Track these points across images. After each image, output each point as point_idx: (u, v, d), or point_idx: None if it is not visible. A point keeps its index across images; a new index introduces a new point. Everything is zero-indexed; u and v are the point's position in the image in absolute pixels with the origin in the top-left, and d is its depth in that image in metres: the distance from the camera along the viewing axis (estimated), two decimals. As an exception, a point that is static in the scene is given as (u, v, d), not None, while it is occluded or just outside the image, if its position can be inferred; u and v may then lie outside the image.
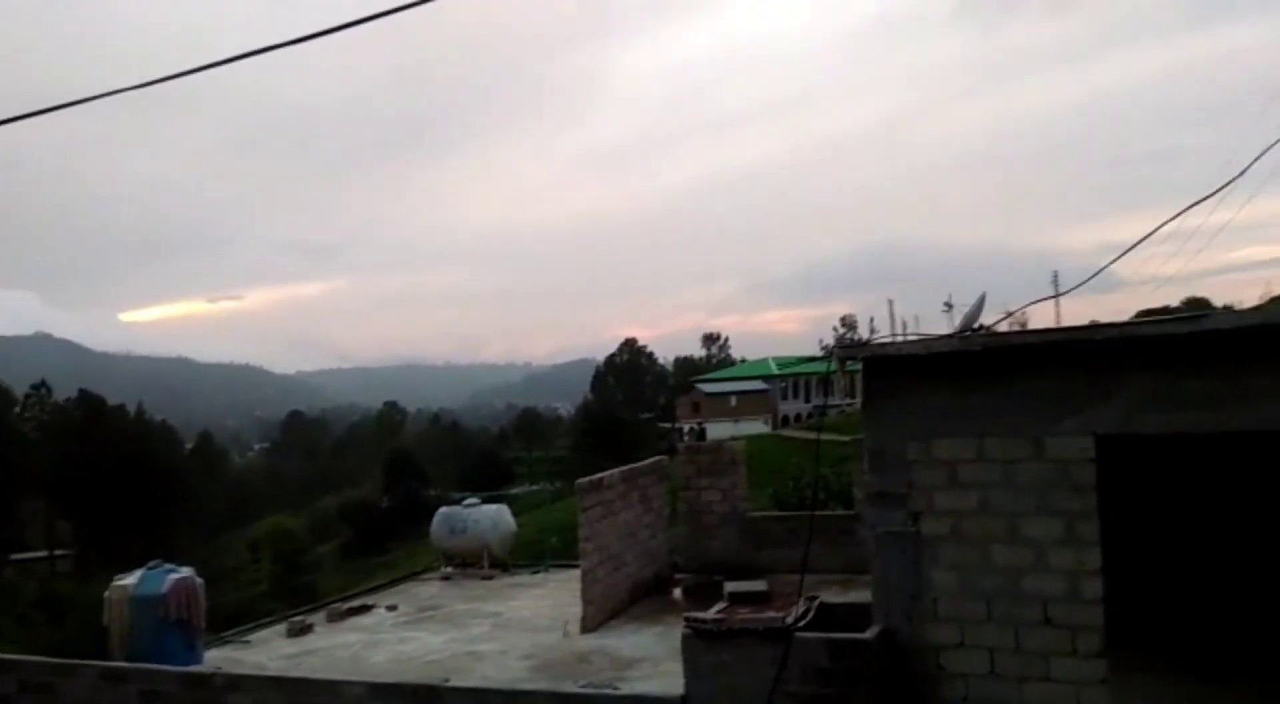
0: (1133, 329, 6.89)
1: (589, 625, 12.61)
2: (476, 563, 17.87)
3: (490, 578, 17.30)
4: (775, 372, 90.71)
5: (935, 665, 7.35)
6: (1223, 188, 6.82)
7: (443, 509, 19.06)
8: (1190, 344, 6.68)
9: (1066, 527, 7.06)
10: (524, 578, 17.42)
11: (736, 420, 78.30)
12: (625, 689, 9.26)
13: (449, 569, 17.99)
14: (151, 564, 12.76)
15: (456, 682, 9.15)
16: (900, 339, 8.07)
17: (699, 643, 7.64)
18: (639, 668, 10.85)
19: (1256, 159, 6.74)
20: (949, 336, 7.74)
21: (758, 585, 12.09)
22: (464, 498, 20.48)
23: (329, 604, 15.80)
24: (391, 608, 15.30)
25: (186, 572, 12.58)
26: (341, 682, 8.65)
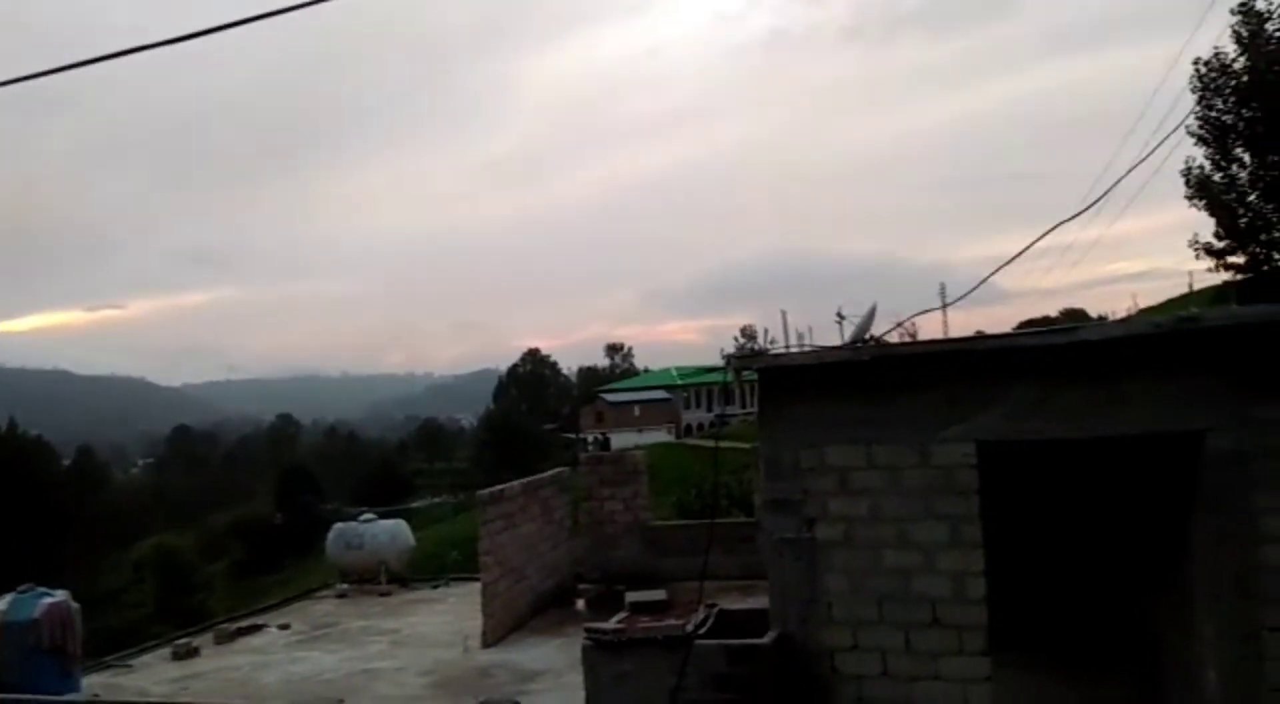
0: (1012, 340, 7.24)
1: (490, 640, 12.48)
2: (374, 579, 17.48)
3: (388, 594, 16.94)
4: (678, 381, 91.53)
5: (830, 668, 7.53)
6: (1085, 209, 7.29)
7: (338, 524, 18.59)
8: (1066, 354, 7.04)
9: (952, 530, 7.33)
10: (423, 593, 17.11)
11: (640, 430, 78.62)
12: (526, 703, 9.18)
13: (345, 586, 17.54)
14: (22, 588, 12.04)
15: (351, 702, 8.93)
16: (794, 349, 8.28)
17: (599, 654, 7.65)
18: (541, 681, 10.78)
19: (1115, 184, 7.25)
20: (840, 347, 7.97)
21: (658, 594, 12.18)
22: (361, 512, 20.00)
23: (217, 625, 15.21)
24: (284, 627, 14.82)
25: (61, 595, 11.91)
26: (229, 706, 8.35)
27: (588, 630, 7.96)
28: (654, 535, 15.36)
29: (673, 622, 7.98)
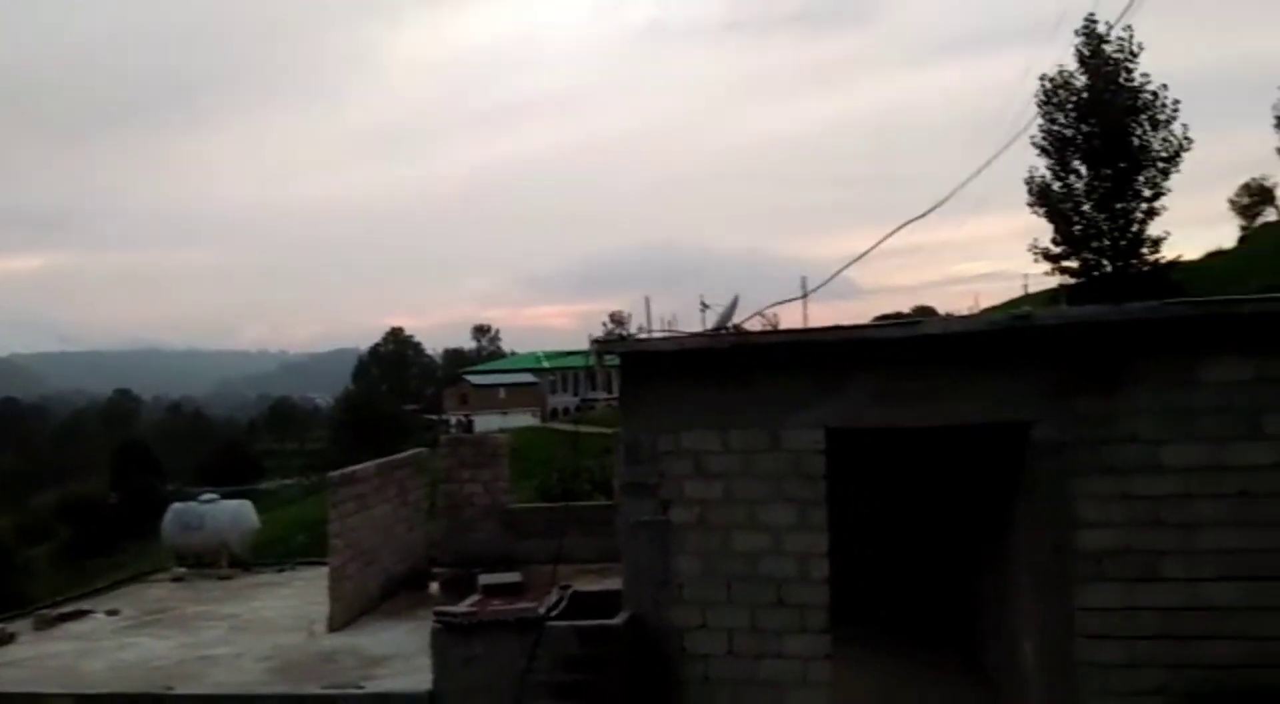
0: (859, 332, 7.53)
1: (336, 624, 12.10)
2: (214, 562, 16.67)
3: (229, 578, 16.19)
4: (544, 365, 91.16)
5: (679, 647, 7.67)
6: (928, 212, 7.66)
7: (175, 505, 17.61)
8: (908, 347, 7.37)
9: (800, 513, 7.58)
10: (267, 577, 16.43)
11: (505, 413, 77.97)
12: (372, 688, 8.97)
13: (182, 570, 16.65)
14: None
15: (183, 689, 8.50)
16: (656, 336, 8.36)
17: (448, 637, 7.54)
18: (389, 665, 10.53)
19: (957, 189, 7.62)
20: (699, 334, 8.10)
21: (512, 577, 12.10)
22: (202, 493, 19.03)
23: (37, 610, 14.17)
24: (112, 613, 13.95)
25: None
26: (47, 694, 7.80)
27: (437, 613, 7.83)
28: (513, 519, 15.23)
29: (525, 604, 7.95)
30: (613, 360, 8.47)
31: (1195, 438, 6.93)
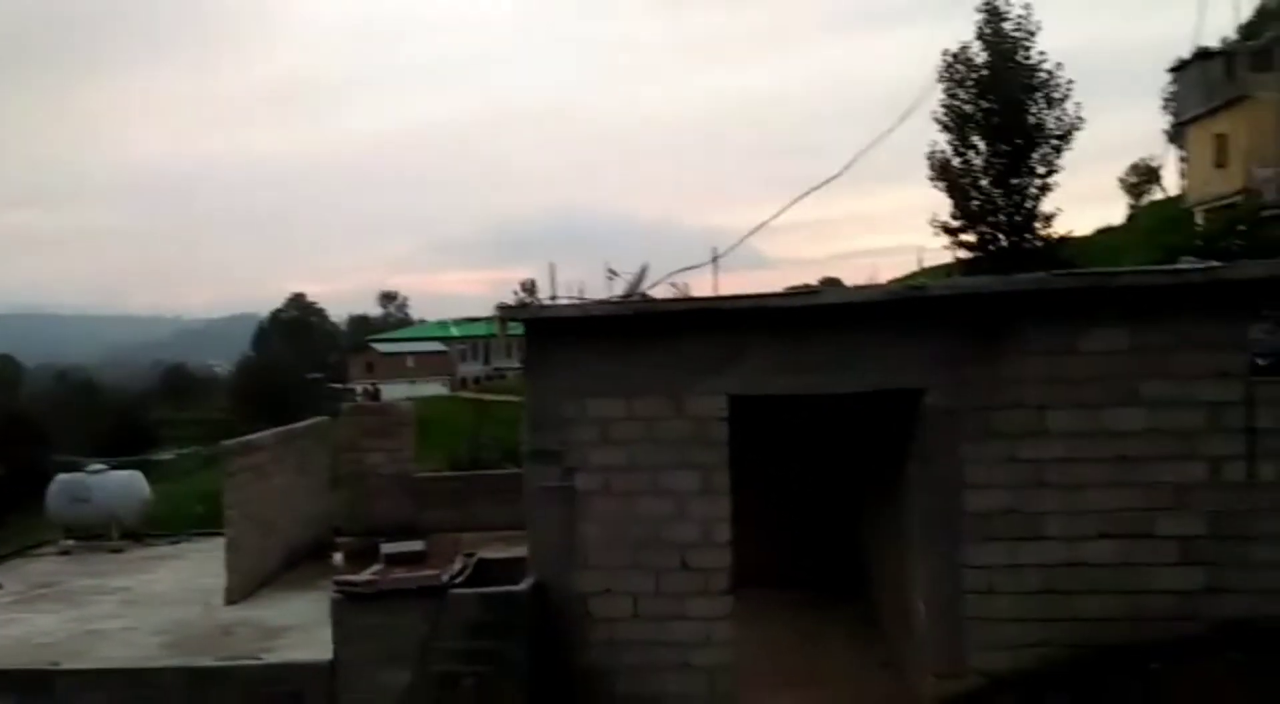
0: (760, 301, 7.63)
1: (234, 596, 11.83)
2: (104, 535, 16.06)
3: (120, 551, 15.63)
4: (453, 333, 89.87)
5: (584, 612, 7.74)
6: (825, 183, 7.81)
7: (61, 476, 16.87)
8: (808, 316, 7.51)
9: (703, 479, 7.70)
10: (161, 549, 15.93)
11: (414, 382, 76.71)
12: (270, 659, 8.80)
13: (70, 543, 16.00)
14: None
15: (70, 664, 8.19)
16: (561, 303, 8.32)
17: (348, 606, 7.44)
18: (288, 636, 10.37)
19: (851, 161, 7.77)
20: (604, 302, 8.10)
21: (415, 546, 11.99)
22: (93, 464, 18.25)
23: (-90, 589, 13.45)
24: (-6, 589, 13.34)
25: None
26: (-83, 676, 7.42)
27: (336, 582, 7.72)
28: (418, 487, 15.08)
29: (428, 572, 7.89)
30: (518, 328, 8.41)
31: (1077, 404, 7.27)
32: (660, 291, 8.92)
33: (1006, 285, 7.44)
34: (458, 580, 7.70)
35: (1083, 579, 7.13)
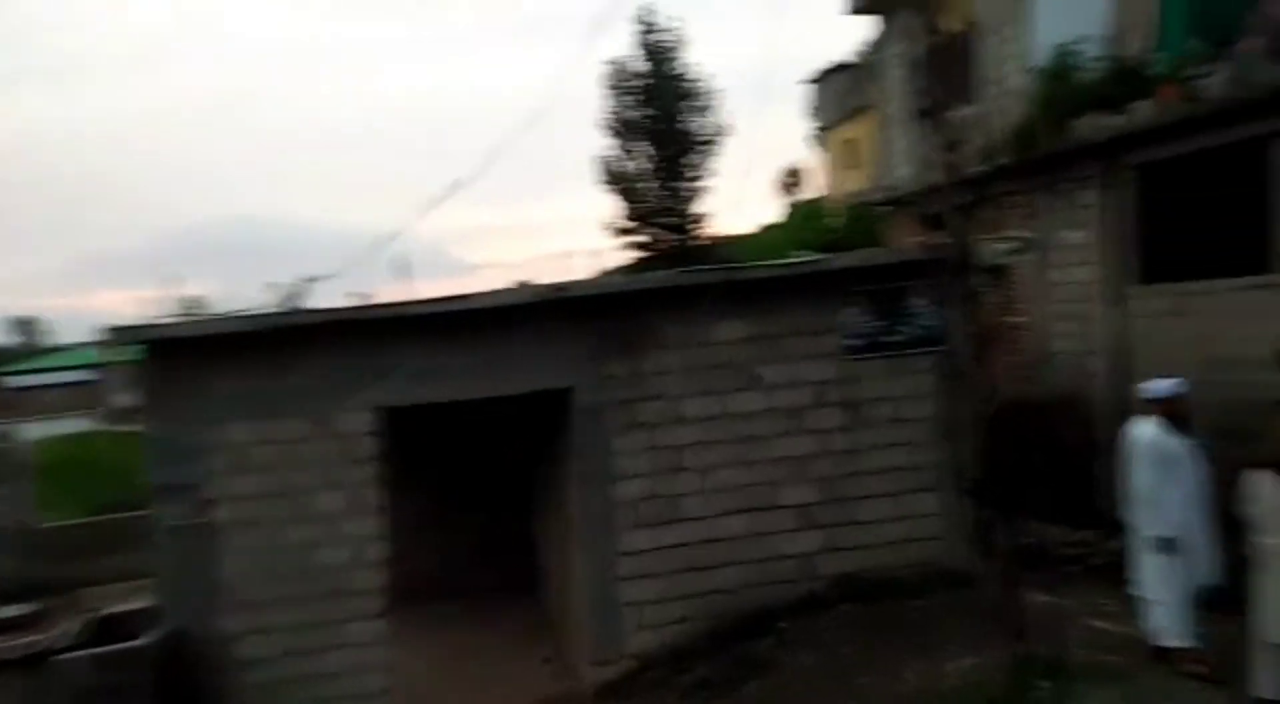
0: (404, 308, 7.41)
1: None
2: None
3: None
4: (98, 361, 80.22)
5: (229, 656, 7.12)
6: (456, 189, 7.83)
7: None
8: (453, 322, 7.42)
9: (352, 499, 7.35)
10: None
11: (56, 417, 67.48)
12: None
13: None
14: None
15: None
16: (183, 321, 7.60)
17: (-76, 691, 6.31)
18: None
19: (483, 168, 7.85)
20: (228, 317, 7.50)
21: (27, 609, 10.44)
22: None
23: None
24: None
25: None
26: None
27: (-90, 666, 6.53)
28: (41, 541, 13.21)
29: (33, 638, 6.89)
30: (134, 351, 7.56)
31: (708, 391, 7.80)
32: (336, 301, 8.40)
33: (643, 283, 7.82)
34: (73, 643, 6.80)
35: (719, 553, 7.67)
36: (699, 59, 28.81)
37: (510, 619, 9.84)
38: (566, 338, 7.66)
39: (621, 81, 30.45)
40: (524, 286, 8.16)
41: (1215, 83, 7.76)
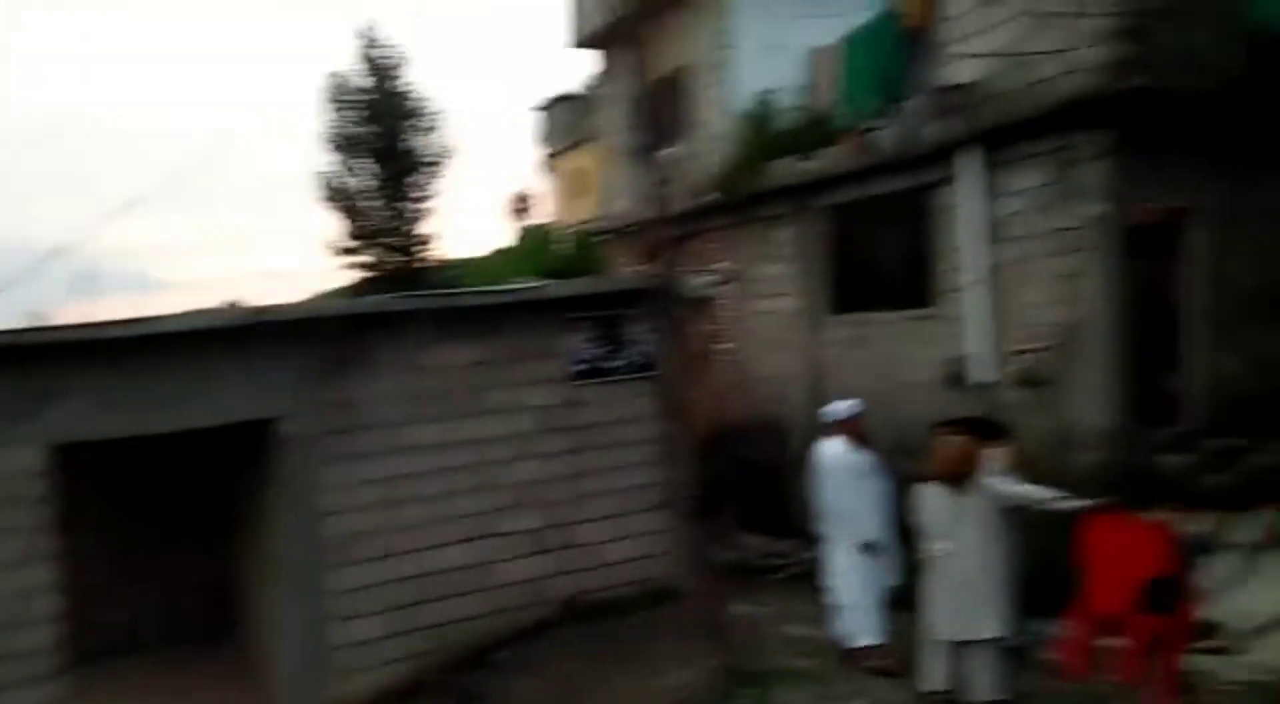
0: (83, 332, 6.64)
1: None
2: None
3: None
4: None
5: None
6: (134, 204, 7.17)
7: None
8: (140, 347, 6.74)
9: (19, 547, 6.47)
10: None
11: None
12: None
13: None
14: None
15: None
16: None
17: None
18: None
19: (165, 183, 7.24)
20: None
21: None
22: None
23: None
24: None
25: None
26: None
27: None
28: None
29: None
30: None
31: (431, 419, 7.63)
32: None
33: (354, 307, 7.54)
34: None
35: (442, 586, 7.51)
36: (425, 81, 28.35)
37: (207, 672, 9.02)
38: (272, 364, 7.20)
39: (343, 95, 29.33)
40: (227, 307, 7.61)
41: (887, 136, 8.78)
